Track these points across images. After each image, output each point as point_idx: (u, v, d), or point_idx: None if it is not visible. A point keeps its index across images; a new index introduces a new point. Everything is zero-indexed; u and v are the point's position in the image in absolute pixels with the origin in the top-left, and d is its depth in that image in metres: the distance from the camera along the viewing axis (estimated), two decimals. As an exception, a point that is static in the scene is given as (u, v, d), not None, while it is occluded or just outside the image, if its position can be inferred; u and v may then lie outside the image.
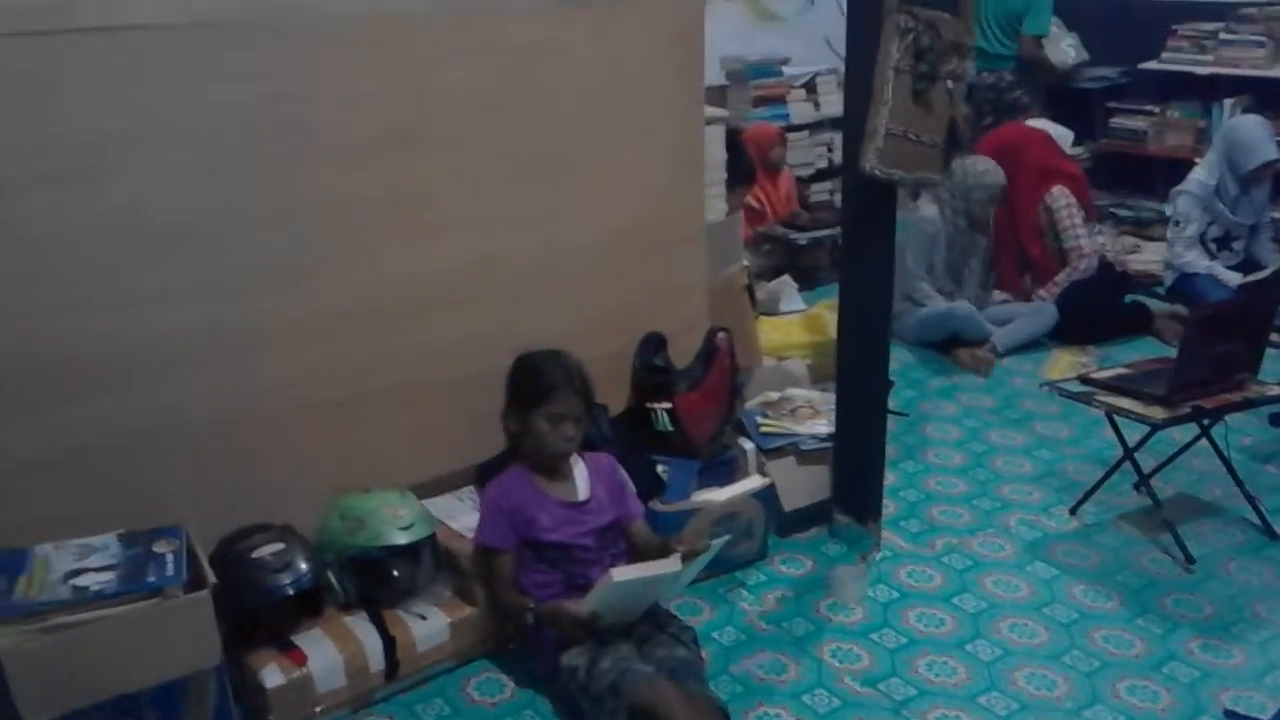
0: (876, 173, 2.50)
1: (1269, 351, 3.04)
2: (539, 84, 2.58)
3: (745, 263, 3.59)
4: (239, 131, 2.23)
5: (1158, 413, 2.83)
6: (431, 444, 2.63)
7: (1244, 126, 4.45)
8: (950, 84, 2.57)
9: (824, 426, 3.03)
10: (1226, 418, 3.02)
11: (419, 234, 2.52)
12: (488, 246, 2.63)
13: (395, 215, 2.48)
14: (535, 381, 2.35)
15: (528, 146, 2.61)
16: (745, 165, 4.68)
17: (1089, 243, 4.60)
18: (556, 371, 2.34)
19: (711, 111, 3.17)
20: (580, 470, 2.44)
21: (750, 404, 3.16)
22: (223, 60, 2.18)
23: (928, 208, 4.42)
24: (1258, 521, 3.05)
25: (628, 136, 2.76)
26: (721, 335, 2.89)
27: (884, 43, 2.47)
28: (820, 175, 6.22)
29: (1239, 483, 3.08)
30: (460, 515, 2.60)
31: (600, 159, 2.72)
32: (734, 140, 4.00)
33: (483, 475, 2.63)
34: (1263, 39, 5.12)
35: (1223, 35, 5.24)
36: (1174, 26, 5.44)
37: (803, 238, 5.23)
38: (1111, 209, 5.60)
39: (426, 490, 2.62)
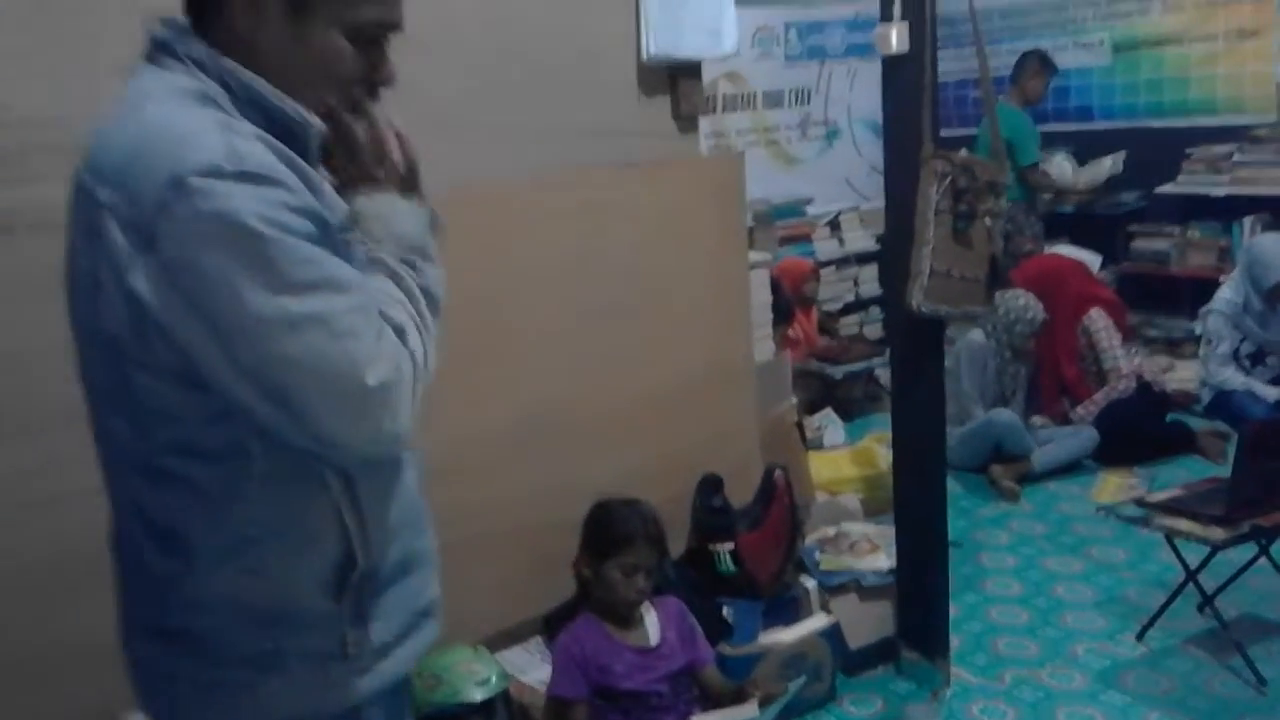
0: (923, 309, 2.58)
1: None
2: (598, 240, 2.69)
3: (794, 400, 3.64)
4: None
5: (1217, 533, 2.84)
6: (501, 595, 2.64)
7: (1264, 245, 4.56)
8: (989, 221, 2.67)
9: (884, 561, 3.03)
10: (1288, 536, 3.01)
11: (487, 388, 2.59)
12: (550, 397, 2.70)
13: (465, 372, 2.56)
14: (611, 531, 2.38)
15: (587, 299, 2.70)
16: (783, 302, 4.79)
17: (1127, 363, 4.66)
18: (634, 521, 2.37)
19: (755, 256, 3.28)
20: (651, 616, 2.44)
21: (808, 541, 3.18)
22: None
23: (975, 333, 4.50)
24: (1328, 640, 3.01)
25: (680, 284, 2.85)
26: (779, 473, 2.92)
27: (923, 187, 2.58)
28: (848, 309, 6.33)
29: (1305, 601, 3.06)
30: (530, 669, 2.59)
31: (656, 307, 2.81)
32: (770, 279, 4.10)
33: (550, 624, 2.64)
34: (1276, 159, 5.25)
35: (1236, 157, 5.38)
36: (1189, 151, 5.59)
37: (839, 371, 5.29)
38: (1141, 329, 5.66)
39: (495, 643, 2.63)
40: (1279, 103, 5.41)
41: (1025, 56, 5.76)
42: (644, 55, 2.65)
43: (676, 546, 2.92)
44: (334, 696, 1.26)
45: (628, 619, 2.41)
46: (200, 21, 1.20)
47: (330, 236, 1.14)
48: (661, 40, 2.64)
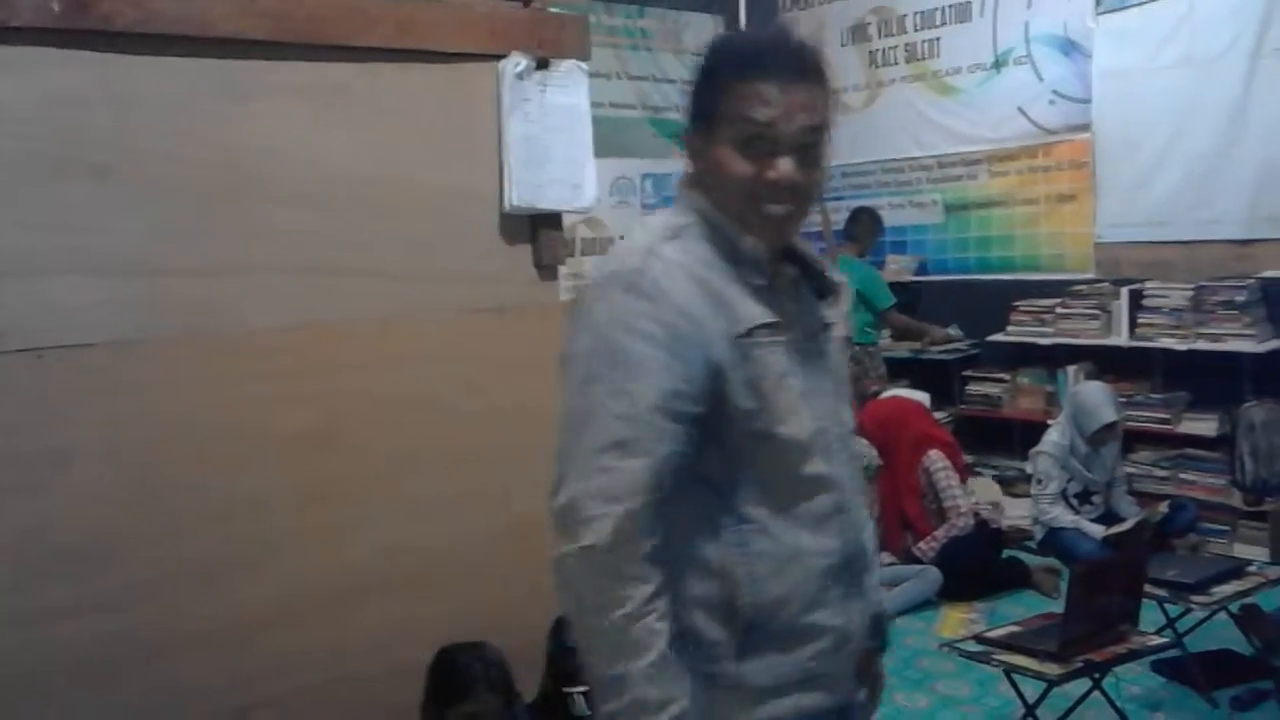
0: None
1: (1145, 601, 3.24)
2: (452, 383, 2.72)
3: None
4: (156, 442, 2.30)
5: (1052, 669, 2.97)
6: (349, 744, 2.57)
7: (1086, 392, 4.89)
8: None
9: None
10: (1115, 670, 3.16)
11: (331, 530, 2.57)
12: (396, 539, 2.68)
13: (308, 513, 2.53)
14: (452, 679, 2.36)
15: (437, 441, 2.72)
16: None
17: (965, 501, 4.88)
18: (474, 667, 2.36)
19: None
20: (501, 763, 2.41)
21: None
22: (142, 375, 2.28)
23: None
24: (1157, 771, 3.15)
25: (536, 426, 2.86)
26: (633, 614, 2.93)
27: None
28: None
29: (1135, 733, 3.20)
30: (378, 820, 2.51)
31: (511, 449, 2.83)
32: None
33: (401, 775, 2.56)
34: (1095, 312, 5.67)
35: (1059, 310, 5.79)
36: (1016, 303, 5.99)
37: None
38: (976, 468, 5.94)
39: (342, 795, 2.54)
40: (1095, 261, 5.87)
41: (858, 212, 6.16)
42: (506, 205, 2.74)
43: (531, 690, 2.89)
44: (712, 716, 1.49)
45: (475, 765, 2.37)
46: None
47: None
48: (524, 192, 2.74)
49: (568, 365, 1.46)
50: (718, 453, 1.49)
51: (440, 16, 2.64)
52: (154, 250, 2.34)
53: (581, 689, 2.82)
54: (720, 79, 1.49)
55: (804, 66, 1.50)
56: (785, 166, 1.46)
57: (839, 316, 1.64)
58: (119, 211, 2.29)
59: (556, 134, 2.80)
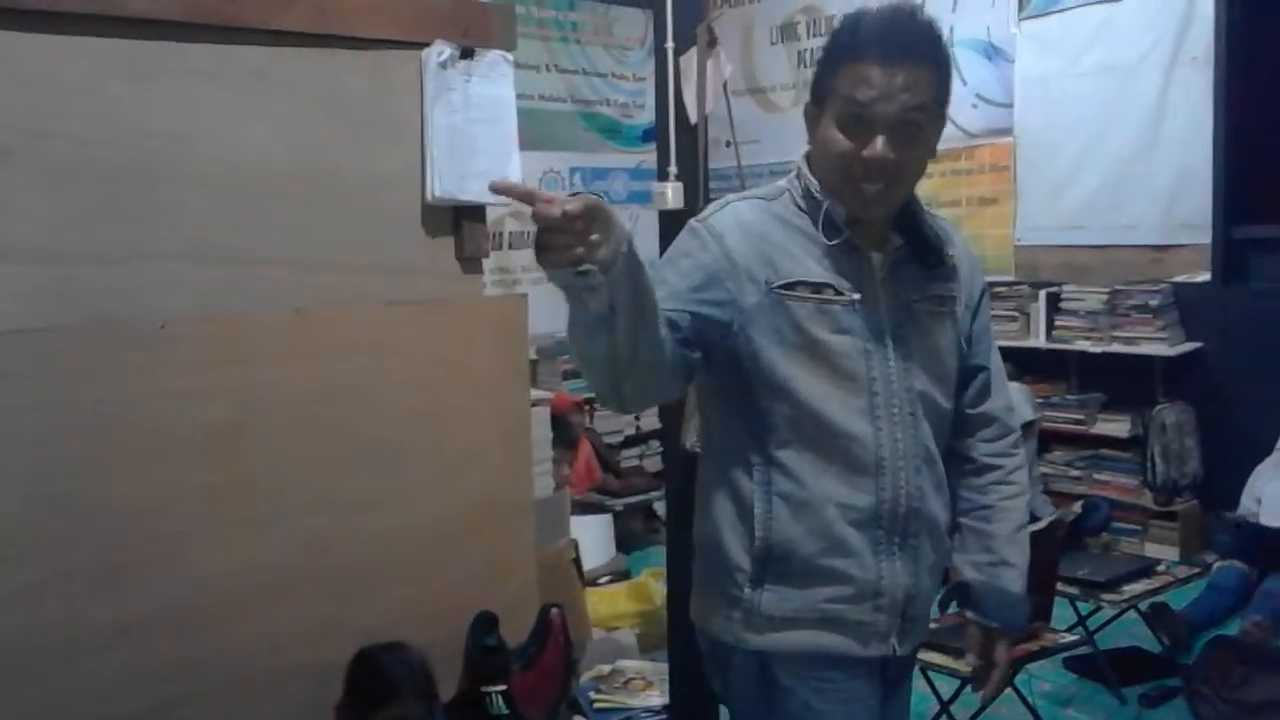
0: (698, 449, 2.67)
1: (1057, 599, 3.30)
2: (369, 377, 2.66)
3: (573, 535, 3.66)
4: (61, 435, 2.21)
5: (966, 666, 3.00)
6: (259, 747, 2.51)
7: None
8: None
9: (657, 698, 3.05)
10: (1027, 666, 3.22)
11: (245, 526, 2.50)
12: (313, 535, 2.61)
13: (221, 508, 2.46)
14: (375, 683, 2.32)
15: (355, 436, 2.66)
16: (568, 435, 4.85)
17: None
18: (398, 670, 2.32)
19: (536, 394, 3.32)
20: (418, 764, 2.37)
21: (584, 679, 3.16)
22: (45, 365, 2.19)
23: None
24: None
25: (456, 422, 2.85)
26: (555, 611, 2.92)
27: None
28: (629, 441, 6.46)
29: (1046, 728, 3.26)
30: (289, 823, 2.45)
31: (430, 445, 2.79)
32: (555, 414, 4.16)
33: (313, 777, 2.51)
34: (1014, 314, 5.77)
35: (979, 310, 5.88)
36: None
37: (618, 504, 5.36)
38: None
39: (251, 799, 2.48)
40: (1015, 263, 5.98)
41: None
42: (428, 196, 2.70)
43: (449, 689, 2.86)
44: (730, 631, 1.74)
45: (393, 768, 2.33)
46: None
47: None
48: (446, 183, 2.69)
49: None
50: (748, 398, 1.67)
51: (361, 1, 2.59)
52: (58, 236, 2.24)
53: (500, 688, 2.79)
54: (834, 58, 1.62)
55: (911, 48, 1.58)
56: (880, 146, 1.58)
57: (948, 290, 1.79)
58: (20, 195, 2.19)
59: (481, 125, 2.75)
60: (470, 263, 2.86)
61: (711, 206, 1.73)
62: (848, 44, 1.61)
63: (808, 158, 1.73)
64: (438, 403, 2.79)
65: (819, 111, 1.66)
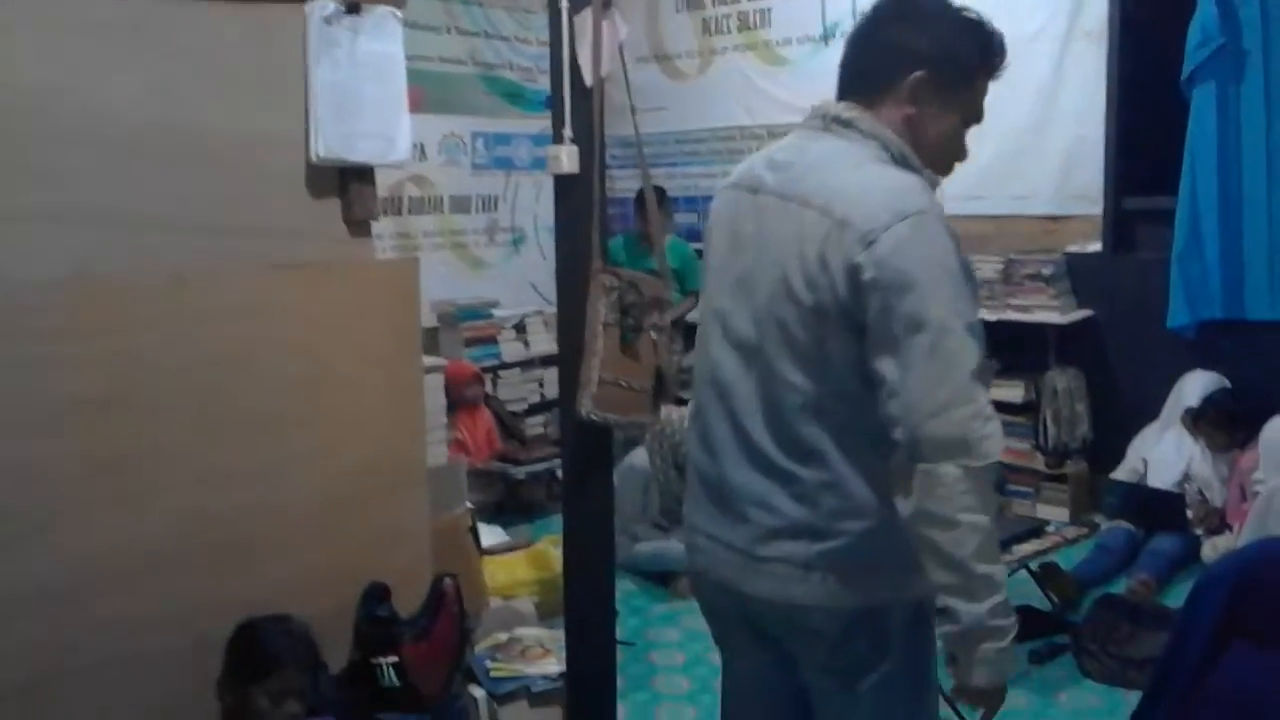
0: (593, 417, 2.65)
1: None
2: (253, 343, 2.58)
3: (469, 504, 3.62)
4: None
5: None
6: (140, 724, 2.43)
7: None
8: (654, 334, 2.79)
9: (554, 665, 3.03)
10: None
11: (121, 500, 2.41)
12: (197, 506, 2.54)
13: (95, 482, 2.37)
14: (257, 654, 2.26)
15: (238, 403, 2.58)
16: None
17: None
18: (280, 641, 2.27)
19: (430, 360, 3.26)
20: (303, 738, 2.33)
21: (480, 647, 3.13)
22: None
23: (636, 456, 4.64)
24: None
25: (345, 389, 2.78)
26: (448, 581, 2.88)
27: (592, 300, 2.67)
28: (533, 409, 6.42)
29: None
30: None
31: (318, 412, 2.72)
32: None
33: (195, 754, 2.45)
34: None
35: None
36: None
37: (521, 472, 5.32)
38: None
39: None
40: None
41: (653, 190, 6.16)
42: (313, 156, 2.61)
43: (339, 660, 2.80)
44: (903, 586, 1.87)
45: (275, 744, 2.28)
46: (868, 103, 1.82)
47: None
48: (331, 142, 2.61)
49: (914, 289, 1.62)
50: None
51: (242, -47, 2.49)
52: (-90, 194, 2.13)
53: (391, 659, 2.75)
54: (979, 66, 1.86)
55: None
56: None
57: None
58: None
59: (368, 84, 2.67)
60: (359, 226, 2.78)
61: (918, 194, 1.73)
62: (992, 62, 1.87)
63: (901, 125, 1.83)
64: (323, 370, 2.72)
65: (946, 100, 1.82)
